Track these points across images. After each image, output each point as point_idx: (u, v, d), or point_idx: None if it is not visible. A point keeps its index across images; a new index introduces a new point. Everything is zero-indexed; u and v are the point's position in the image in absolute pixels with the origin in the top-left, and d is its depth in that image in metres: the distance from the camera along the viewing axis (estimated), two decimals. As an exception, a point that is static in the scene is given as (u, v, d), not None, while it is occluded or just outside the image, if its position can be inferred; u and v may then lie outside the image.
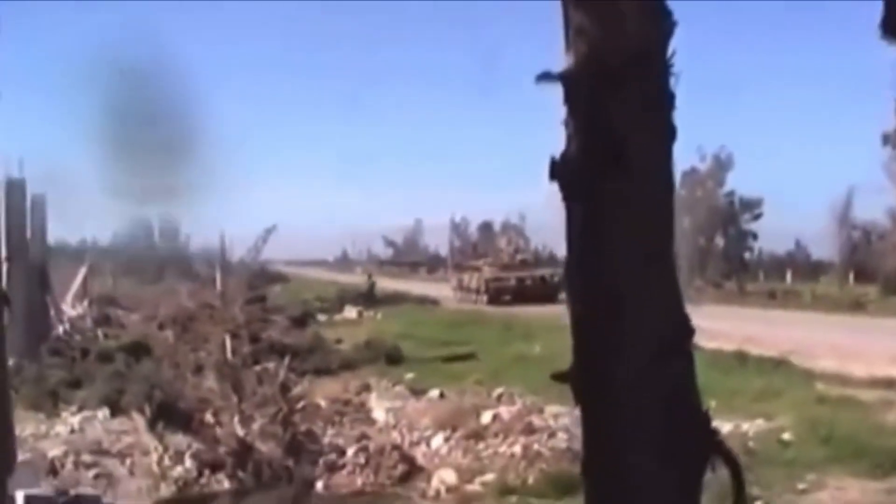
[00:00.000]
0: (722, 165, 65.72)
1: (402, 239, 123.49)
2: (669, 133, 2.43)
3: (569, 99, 2.46)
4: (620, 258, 2.37)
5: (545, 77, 2.45)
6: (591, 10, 2.35)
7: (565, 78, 2.44)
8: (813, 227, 79.69)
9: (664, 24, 2.41)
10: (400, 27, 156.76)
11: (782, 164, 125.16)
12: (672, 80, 2.42)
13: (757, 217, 67.95)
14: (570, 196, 2.45)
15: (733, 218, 67.39)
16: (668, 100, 2.42)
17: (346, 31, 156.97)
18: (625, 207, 2.38)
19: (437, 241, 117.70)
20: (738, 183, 67.46)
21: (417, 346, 29.39)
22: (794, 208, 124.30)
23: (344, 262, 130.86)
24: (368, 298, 50.88)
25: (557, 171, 2.46)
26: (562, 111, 2.50)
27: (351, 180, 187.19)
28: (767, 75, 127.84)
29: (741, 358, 22.50)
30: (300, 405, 15.83)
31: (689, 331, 2.46)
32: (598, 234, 2.39)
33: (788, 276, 69.17)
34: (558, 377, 2.55)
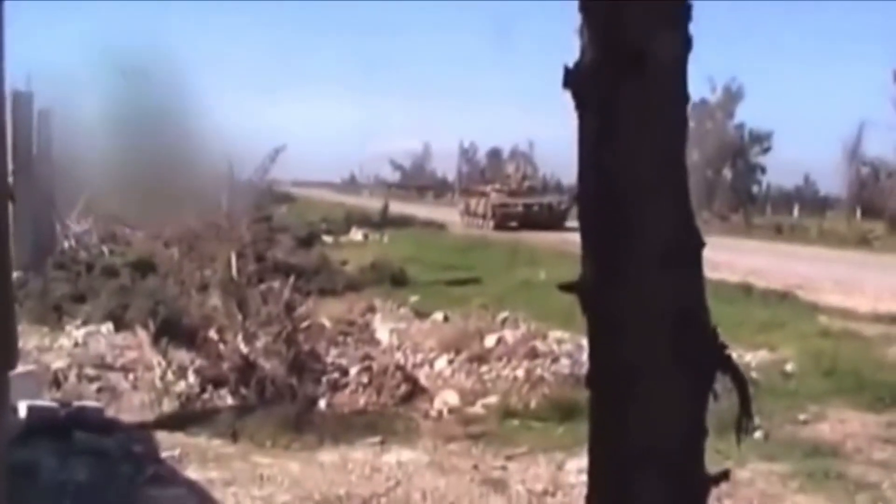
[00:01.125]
0: (732, 97, 65.16)
1: (410, 163, 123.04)
2: (686, 43, 2.38)
3: (584, 6, 2.40)
4: (633, 163, 2.32)
5: (561, -15, 2.40)
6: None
7: (582, -15, 2.37)
8: (822, 162, 79.56)
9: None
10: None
11: (793, 99, 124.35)
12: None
13: (766, 150, 67.65)
14: (584, 102, 2.39)
15: (742, 151, 66.99)
16: (685, 9, 2.37)
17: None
18: (640, 112, 2.32)
19: (446, 167, 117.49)
20: (749, 115, 67.02)
21: (423, 270, 29.41)
22: (804, 143, 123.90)
23: (351, 185, 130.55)
24: (382, 221, 50.96)
25: (571, 79, 2.40)
26: (575, 21, 2.44)
27: (360, 104, 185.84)
28: (780, 5, 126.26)
29: (746, 290, 22.52)
30: (304, 324, 15.83)
31: (699, 241, 2.42)
32: (611, 138, 2.34)
33: (796, 211, 69.07)
34: (565, 287, 2.51)
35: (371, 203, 64.07)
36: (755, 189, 71.49)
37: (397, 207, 59.15)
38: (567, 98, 2.41)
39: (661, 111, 2.34)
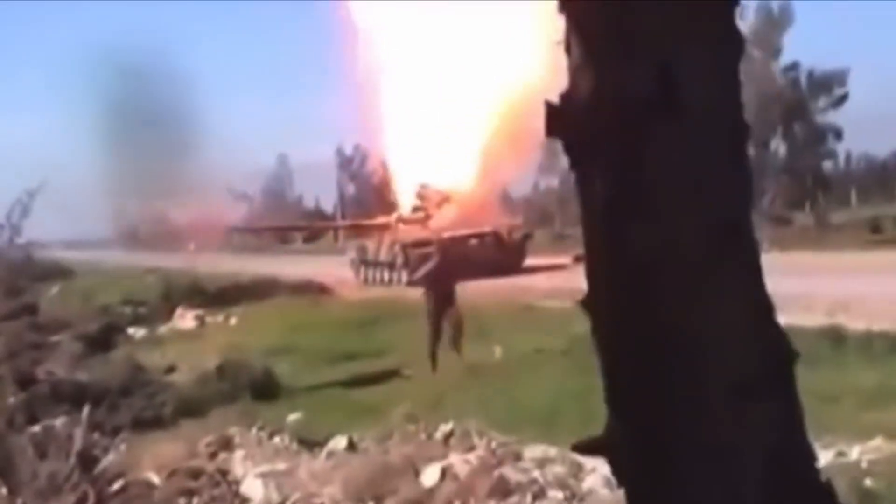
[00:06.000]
0: (775, 23, 65.11)
1: (259, 189, 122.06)
2: (734, 45, 2.35)
3: (566, 6, 2.38)
4: (676, 240, 2.27)
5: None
6: None
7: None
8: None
9: None
10: None
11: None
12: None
13: (839, 101, 67.89)
14: (587, 158, 2.35)
15: (800, 106, 67.12)
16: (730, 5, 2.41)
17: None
18: (677, 165, 2.28)
19: (318, 188, 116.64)
20: (802, 50, 67.46)
21: (303, 367, 29.29)
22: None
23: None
24: None
25: (561, 121, 2.35)
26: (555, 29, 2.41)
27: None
28: None
29: (835, 337, 22.50)
30: (116, 486, 15.66)
31: (785, 352, 2.39)
32: (638, 208, 2.30)
33: (899, 195, 69.74)
34: (582, 449, 2.48)
35: (204, 265, 63.47)
36: (828, 166, 71.87)
37: (249, 264, 59.03)
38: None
39: (706, 157, 2.30)
